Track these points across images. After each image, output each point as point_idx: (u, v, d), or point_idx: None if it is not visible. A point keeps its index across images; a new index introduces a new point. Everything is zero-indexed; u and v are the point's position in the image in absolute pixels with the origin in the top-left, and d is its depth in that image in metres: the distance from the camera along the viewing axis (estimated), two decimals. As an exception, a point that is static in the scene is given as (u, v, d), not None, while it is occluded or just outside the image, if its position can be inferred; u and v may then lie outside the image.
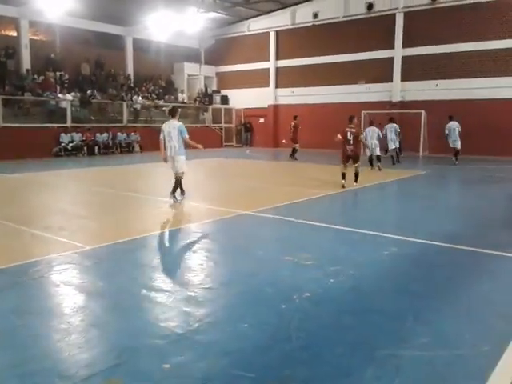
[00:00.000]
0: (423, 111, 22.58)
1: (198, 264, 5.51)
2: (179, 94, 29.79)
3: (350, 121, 11.49)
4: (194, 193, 10.04)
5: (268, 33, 28.96)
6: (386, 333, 3.64)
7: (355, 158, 11.46)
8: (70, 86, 23.56)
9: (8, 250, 5.99)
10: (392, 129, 17.70)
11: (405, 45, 23.96)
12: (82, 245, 6.04)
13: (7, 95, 20.57)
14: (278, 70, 29.16)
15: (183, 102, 29.26)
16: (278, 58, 29.02)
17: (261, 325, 3.75)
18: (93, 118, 23.35)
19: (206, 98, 30.71)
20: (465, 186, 13.55)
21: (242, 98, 30.24)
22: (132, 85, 27.28)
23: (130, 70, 27.88)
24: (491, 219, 8.37)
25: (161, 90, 28.84)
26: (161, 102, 27.28)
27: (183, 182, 9.48)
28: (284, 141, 21.73)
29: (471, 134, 18.21)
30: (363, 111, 23.07)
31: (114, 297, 4.43)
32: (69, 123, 21.88)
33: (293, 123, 20.06)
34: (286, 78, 28.71)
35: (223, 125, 30.46)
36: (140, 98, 26.18)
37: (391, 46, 24.27)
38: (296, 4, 27.39)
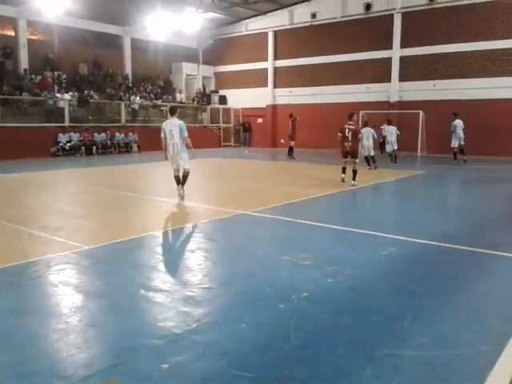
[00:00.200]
0: (421, 111, 22.62)
1: (196, 264, 5.51)
2: (177, 94, 29.76)
3: (350, 118, 11.64)
4: (192, 193, 10.02)
5: (266, 33, 28.98)
6: (384, 332, 3.64)
7: (354, 154, 11.69)
8: (67, 85, 23.52)
9: (6, 250, 5.97)
10: (393, 131, 17.99)
11: (403, 45, 24.01)
12: (80, 245, 6.02)
13: (5, 95, 20.54)
14: (276, 70, 29.18)
15: (181, 102, 29.23)
16: (276, 58, 29.04)
17: (259, 325, 3.75)
18: (91, 117, 23.33)
19: (204, 97, 30.69)
20: (463, 186, 13.57)
21: (241, 98, 30.25)
22: (130, 85, 27.25)
23: (128, 69, 27.85)
24: (490, 219, 8.38)
25: (159, 90, 28.82)
26: (159, 102, 27.27)
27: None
28: (282, 141, 21.75)
29: (469, 133, 18.23)
30: (361, 111, 23.07)
31: (112, 297, 4.42)
32: (67, 123, 21.85)
33: (290, 120, 20.13)
34: (284, 78, 28.72)
35: (221, 125, 30.46)
36: (138, 97, 26.15)
37: (389, 47, 24.31)
38: (294, 4, 27.41)
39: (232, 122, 31.39)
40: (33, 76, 22.74)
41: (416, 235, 6.70)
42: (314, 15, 26.83)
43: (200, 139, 27.09)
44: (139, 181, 13.75)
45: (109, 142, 23.18)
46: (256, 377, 2.97)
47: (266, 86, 29.43)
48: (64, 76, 24.03)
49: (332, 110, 24.52)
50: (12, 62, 22.86)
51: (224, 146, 30.04)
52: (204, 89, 31.60)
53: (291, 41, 28.05)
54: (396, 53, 24.24)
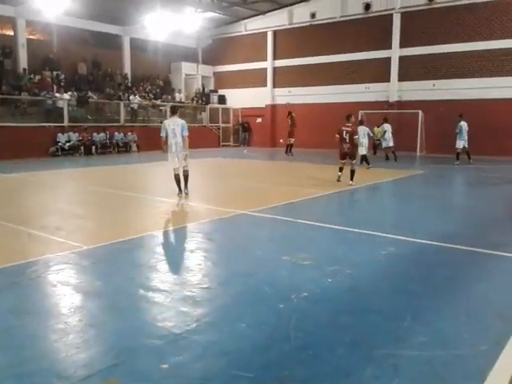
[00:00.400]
0: (420, 111, 22.63)
1: (195, 264, 5.50)
2: (176, 94, 29.75)
3: (347, 119, 11.67)
4: (191, 192, 10.03)
5: (265, 33, 28.98)
6: (384, 332, 3.64)
7: (352, 155, 11.74)
8: (66, 85, 23.51)
9: (5, 250, 5.97)
10: (389, 128, 18.63)
11: (402, 45, 24.02)
12: (80, 245, 6.02)
13: (4, 95, 20.52)
14: (275, 69, 29.18)
15: (180, 102, 29.22)
16: (275, 57, 29.04)
17: (259, 324, 3.75)
18: (90, 117, 23.31)
19: (204, 97, 30.68)
20: (463, 186, 13.58)
21: (240, 98, 30.24)
22: (129, 84, 27.24)
23: (128, 69, 27.84)
24: (489, 219, 8.39)
25: (158, 90, 28.80)
26: (158, 102, 27.26)
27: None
28: (281, 140, 21.76)
29: (468, 133, 18.26)
30: (361, 111, 23.09)
31: (112, 297, 4.42)
32: (66, 123, 21.83)
33: (288, 117, 20.22)
34: (283, 78, 28.72)
35: (221, 124, 30.44)
36: (137, 97, 26.13)
37: (388, 46, 24.31)
38: (293, 4, 27.41)
39: (231, 122, 31.39)
40: (32, 76, 22.72)
41: (416, 235, 6.70)
42: (313, 15, 26.83)
43: (199, 139, 27.15)
44: (138, 181, 13.75)
45: (108, 141, 23.16)
46: (256, 377, 2.97)
47: (265, 85, 29.43)
48: (63, 76, 24.01)
49: (331, 109, 24.52)
50: (11, 61, 22.83)
51: (223, 145, 30.03)
52: (203, 88, 31.59)
53: (290, 41, 28.05)
54: (395, 53, 24.25)
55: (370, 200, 10.82)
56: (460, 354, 3.29)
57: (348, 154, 11.63)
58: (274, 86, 29.36)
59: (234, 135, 31.45)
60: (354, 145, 11.92)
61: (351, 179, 11.59)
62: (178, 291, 4.51)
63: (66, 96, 22.31)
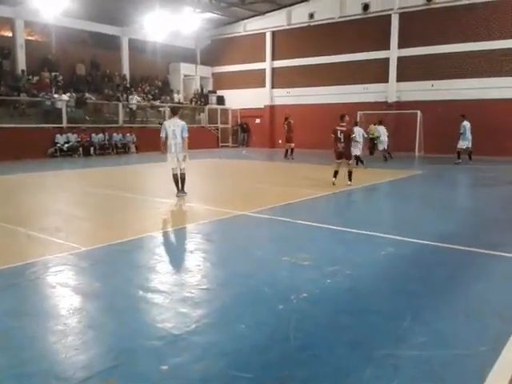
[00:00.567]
0: (419, 111, 22.66)
1: (195, 265, 5.50)
2: (175, 95, 29.76)
3: (342, 119, 11.59)
4: (190, 193, 10.03)
5: (264, 33, 29.00)
6: (383, 333, 3.64)
7: (347, 155, 11.66)
8: (65, 86, 23.49)
9: (4, 251, 5.95)
10: (384, 130, 19.04)
11: (400, 45, 24.06)
12: (79, 246, 6.01)
13: (2, 96, 20.51)
14: (274, 70, 29.20)
15: (179, 103, 29.21)
16: (274, 58, 29.06)
17: (259, 325, 3.74)
18: (88, 118, 23.30)
19: (202, 98, 30.69)
20: (461, 186, 13.60)
21: (238, 99, 30.25)
22: (128, 85, 27.23)
23: (126, 70, 27.84)
24: (488, 219, 8.39)
25: (157, 91, 28.81)
26: (157, 103, 27.25)
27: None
28: (280, 141, 21.78)
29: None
30: (359, 112, 23.14)
31: (111, 298, 4.41)
32: (64, 124, 21.81)
33: (286, 123, 20.38)
34: (282, 79, 28.74)
35: (219, 125, 30.45)
36: (136, 97, 26.11)
37: (387, 47, 24.35)
38: (292, 4, 27.43)
39: (230, 123, 31.39)
40: (30, 77, 22.71)
41: (415, 235, 6.70)
42: (311, 15, 26.85)
43: (198, 140, 27.11)
44: (137, 181, 13.74)
45: (106, 142, 23.15)
46: (255, 377, 2.97)
47: (263, 86, 29.45)
48: (61, 77, 23.99)
49: (330, 110, 24.45)
50: (9, 62, 22.83)
51: (222, 146, 30.03)
52: (202, 89, 31.60)
53: (289, 41, 28.07)
54: (394, 53, 24.28)
55: (368, 200, 10.82)
56: (459, 353, 3.29)
57: (343, 153, 11.55)
58: (273, 86, 29.38)
59: (232, 136, 31.45)
60: (349, 144, 11.85)
61: (349, 179, 11.55)
62: (178, 292, 4.50)
63: (65, 97, 22.30)
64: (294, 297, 4.29)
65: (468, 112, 18.43)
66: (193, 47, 31.34)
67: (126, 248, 6.15)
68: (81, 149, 21.79)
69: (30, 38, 24.22)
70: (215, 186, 12.68)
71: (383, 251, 5.92)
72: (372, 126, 19.99)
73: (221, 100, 31.35)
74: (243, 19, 29.42)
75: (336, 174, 11.57)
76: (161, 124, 10.56)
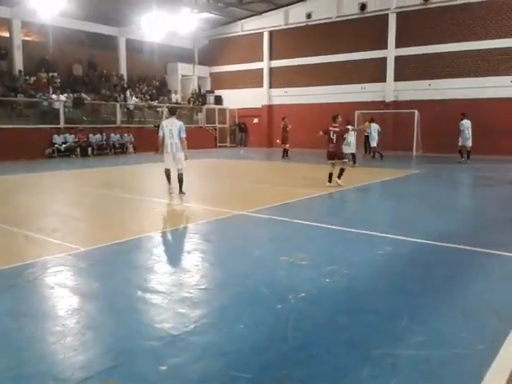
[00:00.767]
0: (416, 111, 22.70)
1: (193, 265, 5.50)
2: (173, 95, 29.75)
3: (334, 120, 11.52)
4: (188, 193, 10.03)
5: (261, 33, 29.00)
6: (381, 332, 3.64)
7: (339, 155, 11.51)
8: (62, 86, 23.46)
9: (2, 252, 5.95)
10: (376, 128, 19.50)
11: (398, 45, 24.09)
12: (77, 246, 6.01)
13: (0, 96, 20.45)
14: (271, 70, 29.20)
15: (177, 103, 29.20)
16: (271, 58, 29.06)
17: (257, 325, 3.75)
18: (85, 118, 23.27)
19: (200, 98, 30.68)
20: (459, 186, 13.62)
21: (236, 99, 30.25)
22: (125, 85, 27.20)
23: (124, 70, 27.82)
24: (486, 218, 8.41)
25: (154, 91, 28.79)
26: (155, 103, 27.23)
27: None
28: (278, 141, 21.84)
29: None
30: (357, 111, 23.18)
31: (109, 298, 4.41)
32: (62, 124, 21.78)
33: (282, 124, 20.49)
34: (279, 78, 28.75)
35: (217, 125, 30.44)
36: (133, 98, 26.09)
37: (384, 46, 24.39)
38: (289, 4, 27.45)
39: (228, 123, 31.38)
40: (27, 77, 22.67)
41: (413, 234, 6.71)
42: (309, 15, 26.88)
43: (196, 140, 27.07)
44: (135, 182, 13.73)
45: (104, 143, 23.13)
46: (254, 377, 2.97)
47: (261, 86, 29.46)
48: (58, 77, 23.95)
49: (328, 109, 24.31)
50: (6, 63, 22.80)
51: (220, 146, 30.03)
52: (199, 89, 31.59)
53: (286, 41, 28.08)
54: (391, 53, 24.32)
55: (366, 200, 10.83)
56: (457, 353, 3.29)
57: (334, 153, 11.39)
58: (271, 86, 29.39)
59: (230, 136, 31.46)
60: (341, 145, 11.75)
61: (339, 177, 11.33)
62: (176, 292, 4.51)
63: (62, 97, 22.26)
64: (292, 296, 4.30)
65: (465, 111, 18.47)
66: (190, 47, 31.34)
67: (125, 248, 6.15)
68: (78, 149, 21.77)
69: (27, 38, 24.19)
70: (213, 185, 12.68)
71: (381, 250, 5.93)
72: (367, 123, 20.24)
73: (218, 100, 31.35)
74: (240, 19, 29.42)
75: (331, 176, 11.40)
76: (157, 127, 10.63)
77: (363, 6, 24.91)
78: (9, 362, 3.18)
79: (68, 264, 5.38)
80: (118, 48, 27.47)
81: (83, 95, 23.69)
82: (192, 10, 26.57)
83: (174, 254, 6.13)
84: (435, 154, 21.48)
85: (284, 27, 28.08)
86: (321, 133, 11.55)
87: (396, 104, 24.25)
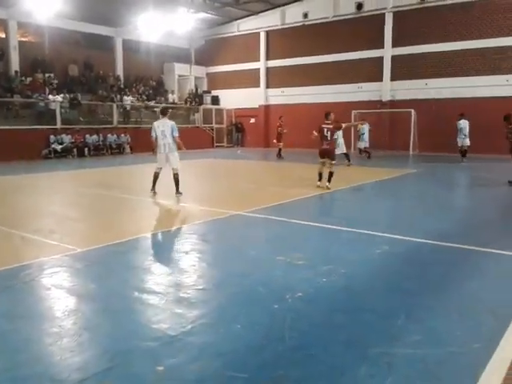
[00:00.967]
0: (413, 110, 22.73)
1: (190, 265, 5.50)
2: (169, 95, 29.71)
3: (326, 117, 11.43)
4: (185, 194, 10.02)
5: (258, 33, 28.99)
6: (378, 331, 3.65)
7: (331, 155, 11.27)
8: (59, 87, 23.41)
9: (-2, 254, 5.93)
10: (367, 128, 19.45)
11: (394, 44, 24.12)
12: (73, 247, 6.00)
13: (-4, 97, 20.45)
14: (268, 70, 29.20)
15: (174, 103, 29.18)
16: (268, 58, 29.06)
17: (254, 325, 3.75)
18: (82, 119, 23.23)
19: (197, 98, 30.65)
20: (455, 185, 13.64)
21: (233, 99, 30.24)
22: (122, 86, 27.16)
23: (120, 70, 27.77)
24: (482, 217, 8.44)
25: (151, 91, 28.75)
26: (152, 103, 27.19)
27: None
28: (275, 141, 21.86)
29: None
30: (353, 111, 23.20)
31: (106, 299, 4.41)
32: (58, 125, 21.74)
33: (279, 123, 20.54)
34: (276, 78, 28.76)
35: (214, 125, 30.42)
36: (130, 98, 26.06)
37: (381, 46, 24.40)
38: (286, 4, 27.45)
39: (225, 123, 31.37)
40: (24, 78, 22.62)
41: (409, 234, 6.73)
42: (305, 15, 26.89)
43: (193, 140, 27.07)
44: (132, 182, 13.71)
45: (101, 143, 23.09)
46: (251, 377, 2.97)
47: (258, 86, 29.45)
48: (54, 78, 23.91)
49: (325, 109, 24.39)
50: (3, 63, 22.75)
51: (217, 146, 30.02)
52: (196, 89, 31.56)
53: (283, 41, 28.09)
54: (388, 52, 24.34)
55: (363, 199, 10.84)
56: (453, 351, 3.31)
57: (327, 151, 11.19)
58: (267, 86, 29.38)
59: (227, 136, 31.44)
60: (334, 143, 11.66)
61: (328, 181, 11.08)
62: (173, 293, 4.50)
63: (59, 98, 22.22)
64: (288, 296, 4.31)
65: (462, 110, 18.51)
66: (187, 47, 31.31)
67: (121, 249, 6.14)
68: (75, 150, 21.72)
69: (23, 39, 24.14)
70: (210, 186, 12.68)
71: (378, 250, 5.95)
72: (360, 126, 20.38)
73: (215, 100, 31.32)
74: (237, 19, 29.41)
75: (321, 176, 11.28)
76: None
77: (360, 6, 24.94)
78: (5, 363, 3.17)
79: (65, 265, 5.37)
80: (114, 48, 27.42)
81: (79, 96, 23.62)
82: (188, 10, 26.54)
83: (170, 255, 6.12)
84: (432, 153, 21.52)
85: (280, 27, 28.08)
86: (315, 133, 11.44)
87: (393, 103, 24.27)
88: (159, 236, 7.14)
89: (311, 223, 7.53)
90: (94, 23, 25.46)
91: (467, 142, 18.14)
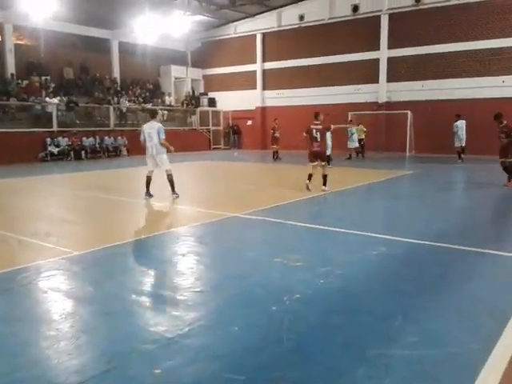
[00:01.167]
0: (409, 112, 22.80)
1: (187, 267, 5.49)
2: (166, 97, 29.71)
3: (316, 118, 11.06)
4: (182, 196, 10.01)
5: (254, 35, 29.05)
6: (375, 332, 3.66)
7: (322, 157, 11.09)
8: (55, 90, 23.38)
9: (-5, 257, 5.92)
10: (354, 130, 20.01)
11: (390, 46, 24.21)
12: (70, 250, 5.99)
13: (-8, 100, 20.39)
14: (264, 72, 29.25)
15: (170, 105, 29.20)
16: (264, 60, 29.11)
17: (251, 327, 3.75)
18: (79, 122, 23.19)
19: (194, 100, 30.67)
20: (452, 186, 13.67)
21: (230, 101, 30.27)
22: (119, 88, 27.14)
23: (117, 73, 27.76)
24: (479, 218, 8.47)
25: (147, 94, 28.74)
26: (149, 106, 27.15)
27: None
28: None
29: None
30: (350, 112, 23.23)
31: (103, 302, 4.40)
32: (55, 128, 21.70)
33: (272, 126, 20.74)
34: (273, 80, 28.80)
35: (211, 127, 30.44)
36: (126, 101, 26.04)
37: (377, 48, 24.49)
38: (282, 6, 27.53)
39: (222, 125, 31.38)
40: (20, 81, 22.57)
41: (406, 235, 6.74)
42: (301, 17, 26.97)
43: (190, 142, 27.15)
44: (129, 185, 13.68)
45: (98, 146, 23.06)
46: (248, 379, 2.97)
47: (254, 88, 29.49)
48: (50, 80, 23.86)
49: (321, 111, 24.51)
50: (-2, 66, 22.69)
51: (214, 148, 30.03)
52: (193, 91, 31.58)
53: (280, 43, 28.14)
54: (384, 54, 24.43)
55: (359, 201, 10.85)
56: (451, 352, 3.31)
57: (318, 153, 10.92)
58: (264, 88, 29.43)
59: (224, 138, 31.46)
60: (324, 144, 11.46)
61: (324, 184, 10.96)
62: (170, 295, 4.50)
63: (55, 101, 22.18)
64: (286, 298, 4.31)
65: (458, 111, 18.58)
66: (183, 50, 31.32)
67: (118, 251, 6.13)
68: (72, 153, 21.69)
69: (19, 42, 24.09)
70: (207, 188, 12.67)
71: (375, 251, 5.95)
72: (356, 127, 20.85)
73: (212, 102, 31.34)
74: (233, 21, 29.47)
75: (310, 177, 10.93)
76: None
77: (355, 8, 25.02)
78: (3, 367, 3.16)
79: (61, 268, 5.36)
80: (110, 51, 27.41)
81: (74, 98, 23.58)
82: (185, 13, 26.58)
83: (168, 257, 6.11)
84: (428, 154, 21.58)
85: (277, 29, 28.14)
86: (304, 134, 11.09)
87: (389, 105, 24.35)
88: (156, 238, 7.13)
89: (308, 225, 7.54)
90: (90, 26, 25.46)
91: (463, 142, 18.22)
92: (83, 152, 22.19)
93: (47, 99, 21.98)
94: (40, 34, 23.14)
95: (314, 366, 3.13)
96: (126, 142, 24.11)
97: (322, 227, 7.46)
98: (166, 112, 28.46)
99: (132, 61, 27.86)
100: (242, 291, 4.60)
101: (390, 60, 24.27)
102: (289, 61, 27.62)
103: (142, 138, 9.95)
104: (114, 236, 6.97)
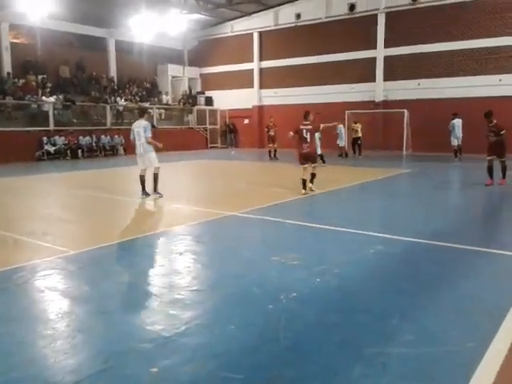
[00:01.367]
0: (406, 110, 22.82)
1: (184, 266, 5.49)
2: (163, 96, 29.66)
3: (305, 118, 10.63)
4: (179, 194, 10.02)
5: (251, 34, 29.03)
6: (372, 331, 3.66)
7: (312, 158, 10.64)
8: (51, 89, 23.29)
9: (-9, 256, 5.90)
10: (342, 129, 20.37)
11: (387, 45, 24.22)
12: (67, 249, 5.97)
13: (-12, 99, 20.31)
14: (261, 70, 29.24)
15: (167, 104, 29.15)
16: (261, 58, 29.10)
17: (248, 326, 3.75)
18: (75, 120, 23.14)
19: (191, 99, 30.63)
20: (449, 184, 13.69)
21: (227, 99, 30.25)
22: (115, 87, 27.07)
23: (113, 72, 27.69)
24: (476, 216, 8.49)
25: (144, 92, 28.69)
26: (147, 105, 27.10)
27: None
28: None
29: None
30: (347, 111, 23.27)
31: (100, 301, 4.39)
32: (51, 127, 21.64)
33: (266, 124, 20.76)
34: (269, 79, 28.79)
35: (208, 126, 30.41)
36: (123, 100, 25.99)
37: (373, 46, 24.51)
38: (279, 5, 27.51)
39: (219, 124, 31.36)
40: (16, 80, 22.49)
41: (404, 233, 6.75)
42: (298, 16, 26.96)
43: (187, 141, 27.15)
44: (126, 184, 13.64)
45: (94, 145, 23.01)
46: (245, 378, 2.97)
47: (251, 86, 29.47)
48: (47, 79, 23.79)
49: (318, 110, 24.46)
50: (-6, 65, 22.60)
51: (211, 147, 30.00)
52: (190, 90, 31.54)
53: (276, 41, 28.13)
54: (380, 52, 24.44)
55: (357, 199, 10.86)
56: (448, 350, 3.31)
57: (308, 155, 10.42)
58: (261, 87, 29.42)
59: (221, 137, 31.44)
60: (314, 144, 11.24)
61: (311, 181, 10.59)
62: (167, 294, 4.49)
63: (51, 99, 22.11)
64: (283, 297, 4.31)
65: (454, 110, 18.62)
66: (180, 48, 31.27)
67: (115, 250, 6.12)
68: (68, 152, 21.64)
69: (15, 40, 24.00)
70: (204, 187, 12.66)
71: (372, 249, 5.95)
72: (353, 125, 20.96)
73: (209, 101, 31.32)
74: (230, 20, 29.43)
75: (305, 182, 10.41)
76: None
77: (352, 7, 25.02)
78: (-2, 366, 3.16)
79: (58, 267, 5.35)
80: (107, 49, 27.34)
81: (70, 97, 23.52)
82: (181, 11, 26.52)
83: (165, 256, 6.11)
84: (425, 152, 21.61)
85: (273, 28, 28.12)
86: (291, 133, 10.59)
87: (386, 104, 24.37)
88: (153, 237, 7.12)
89: (305, 223, 7.54)
90: (87, 24, 25.38)
91: (460, 140, 18.30)
92: (80, 151, 22.14)
93: (44, 98, 21.91)
94: (36, 33, 23.05)
95: (310, 364, 3.13)
96: (123, 141, 24.02)
97: (319, 226, 7.46)
98: (163, 111, 28.43)
99: (129, 59, 27.80)
100: (239, 290, 4.60)
101: (387, 59, 24.29)
102: (286, 59, 27.61)
103: (131, 137, 10.01)
104: (110, 235, 6.95)
